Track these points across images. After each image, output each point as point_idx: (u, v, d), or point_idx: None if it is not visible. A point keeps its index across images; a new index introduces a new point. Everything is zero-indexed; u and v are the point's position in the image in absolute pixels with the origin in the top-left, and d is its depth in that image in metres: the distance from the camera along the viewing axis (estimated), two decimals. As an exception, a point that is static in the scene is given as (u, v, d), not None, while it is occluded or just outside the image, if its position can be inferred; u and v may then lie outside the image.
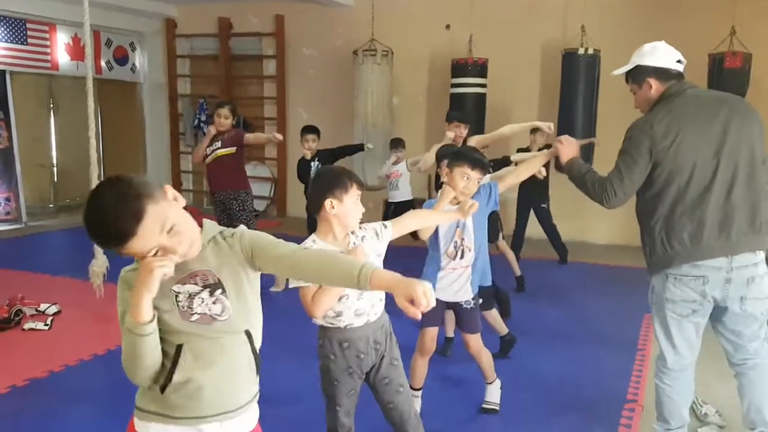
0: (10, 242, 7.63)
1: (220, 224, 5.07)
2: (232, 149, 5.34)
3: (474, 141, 4.58)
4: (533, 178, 6.43)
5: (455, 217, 2.76)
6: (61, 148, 9.23)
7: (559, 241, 6.70)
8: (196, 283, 1.53)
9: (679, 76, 2.60)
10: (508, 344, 4.04)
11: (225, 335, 1.55)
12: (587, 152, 6.89)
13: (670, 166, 2.47)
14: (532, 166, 3.10)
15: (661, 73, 2.58)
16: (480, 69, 7.34)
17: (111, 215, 1.36)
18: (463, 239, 2.96)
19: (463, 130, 4.60)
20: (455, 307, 3.07)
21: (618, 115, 7.18)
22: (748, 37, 6.52)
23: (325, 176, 2.27)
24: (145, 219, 1.37)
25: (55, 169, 9.28)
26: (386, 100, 7.97)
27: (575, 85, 6.89)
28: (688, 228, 2.44)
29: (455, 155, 2.91)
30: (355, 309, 2.23)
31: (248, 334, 1.60)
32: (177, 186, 10.00)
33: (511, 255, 5.54)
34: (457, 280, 3.00)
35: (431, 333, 3.05)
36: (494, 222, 5.39)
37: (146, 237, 1.39)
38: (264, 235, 1.60)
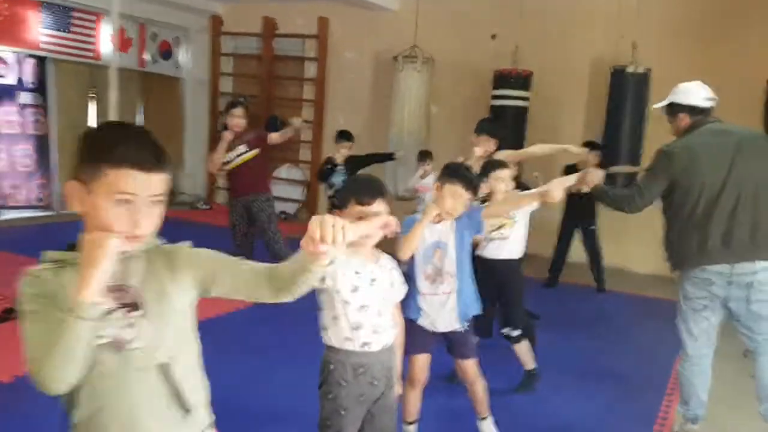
0: (40, 229, 7.63)
1: (237, 230, 4.84)
2: (257, 151, 5.19)
3: (502, 156, 4.30)
4: (582, 196, 6.18)
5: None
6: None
7: (601, 267, 6.33)
8: (111, 300, 1.28)
9: (706, 111, 3.12)
10: (531, 379, 3.74)
11: (133, 368, 1.30)
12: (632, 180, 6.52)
13: (684, 186, 2.99)
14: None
15: (691, 110, 3.12)
16: (523, 81, 7.04)
17: (145, 137, 1.30)
18: (443, 262, 2.70)
19: (492, 146, 4.27)
20: (444, 334, 2.80)
21: (666, 138, 6.87)
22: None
23: (356, 184, 2.15)
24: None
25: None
26: (424, 108, 7.74)
27: (623, 104, 6.52)
28: (696, 238, 2.97)
29: (450, 172, 2.68)
30: (373, 324, 2.04)
31: (165, 368, 1.34)
32: (212, 184, 9.98)
33: None
34: (441, 310, 2.73)
35: (421, 361, 2.79)
36: None
37: (140, 182, 1.25)
38: (210, 253, 1.42)
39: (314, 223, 1.19)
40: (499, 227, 3.64)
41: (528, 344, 3.73)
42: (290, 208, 9.45)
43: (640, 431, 3.32)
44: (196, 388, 1.43)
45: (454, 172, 2.67)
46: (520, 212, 3.55)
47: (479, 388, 2.92)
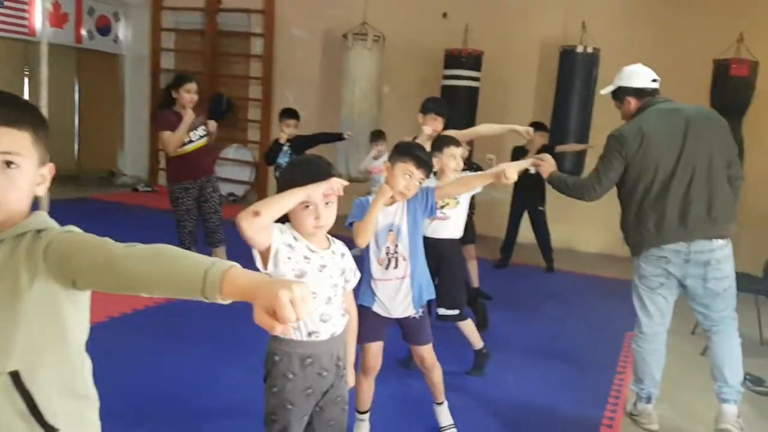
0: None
1: (190, 215, 4.51)
2: (213, 136, 5.00)
3: (453, 135, 4.24)
4: (530, 178, 6.17)
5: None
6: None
7: (550, 248, 6.39)
8: None
9: (653, 92, 3.12)
10: (483, 359, 3.72)
11: None
12: (580, 158, 6.58)
13: (638, 168, 2.99)
14: (473, 183, 2.94)
15: (638, 92, 3.12)
16: (474, 61, 7.00)
17: None
18: (396, 246, 2.61)
19: (440, 125, 4.14)
20: (399, 320, 2.73)
21: (614, 117, 6.91)
22: (756, 45, 6.20)
23: (300, 165, 1.98)
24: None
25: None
26: (375, 87, 7.61)
27: (572, 84, 6.56)
28: (653, 218, 2.98)
29: (401, 150, 2.58)
30: (321, 313, 1.92)
31: (16, 376, 1.14)
32: (154, 165, 9.65)
33: (474, 264, 5.21)
34: (396, 295, 2.65)
35: (374, 349, 2.71)
36: (470, 224, 5.09)
37: None
38: (79, 238, 1.17)
39: (285, 304, 0.98)
40: (442, 207, 3.56)
41: (472, 323, 3.70)
42: (239, 189, 9.23)
43: (593, 411, 3.33)
44: (68, 405, 1.23)
45: (406, 151, 2.55)
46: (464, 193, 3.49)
47: (437, 373, 2.87)
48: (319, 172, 1.87)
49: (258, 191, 9.19)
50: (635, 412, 3.26)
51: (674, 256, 2.95)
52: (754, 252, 5.12)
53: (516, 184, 6.19)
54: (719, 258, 2.95)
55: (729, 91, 6.10)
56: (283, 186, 1.87)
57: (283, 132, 5.49)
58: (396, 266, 2.62)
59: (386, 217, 2.60)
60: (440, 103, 4.28)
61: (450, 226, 3.59)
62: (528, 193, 6.23)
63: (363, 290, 2.65)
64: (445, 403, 2.96)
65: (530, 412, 3.31)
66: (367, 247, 2.61)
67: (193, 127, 4.74)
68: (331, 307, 1.95)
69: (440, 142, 3.50)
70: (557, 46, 6.78)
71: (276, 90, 8.95)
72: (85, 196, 8.28)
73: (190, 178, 4.88)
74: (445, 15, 7.79)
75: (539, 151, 6.15)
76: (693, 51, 6.52)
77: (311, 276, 1.89)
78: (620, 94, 3.16)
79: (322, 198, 1.86)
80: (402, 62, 7.94)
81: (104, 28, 9.23)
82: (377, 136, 6.15)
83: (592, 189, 3.10)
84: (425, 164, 2.54)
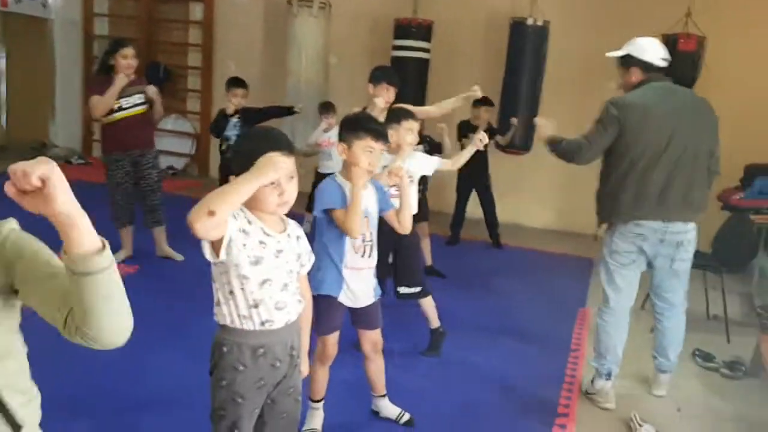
0: None
1: (120, 189, 4.20)
2: (149, 104, 4.66)
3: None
4: (476, 154, 6.06)
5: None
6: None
7: (496, 224, 6.35)
8: None
9: (659, 70, 3.10)
10: (439, 338, 3.63)
11: None
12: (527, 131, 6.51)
13: (630, 140, 2.99)
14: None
15: (647, 66, 3.09)
16: (425, 32, 6.82)
17: None
18: (371, 232, 2.47)
19: (392, 95, 3.97)
20: (356, 307, 2.60)
21: (563, 92, 6.85)
22: (703, 20, 6.21)
23: (259, 137, 1.77)
24: None
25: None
26: (322, 56, 7.35)
27: (521, 57, 6.46)
28: (632, 191, 3.00)
29: (354, 126, 2.40)
30: (276, 301, 1.76)
31: None
32: (88, 136, 9.16)
33: (427, 242, 5.11)
34: (367, 284, 2.53)
35: (333, 339, 2.58)
36: (423, 201, 4.98)
37: None
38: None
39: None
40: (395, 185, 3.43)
41: (432, 301, 3.60)
42: (178, 162, 8.86)
43: (549, 392, 3.29)
44: (23, 401, 1.21)
45: (359, 126, 2.39)
46: (417, 171, 3.35)
47: (381, 361, 2.76)
48: (281, 144, 1.69)
49: (198, 164, 8.85)
50: (592, 390, 3.25)
51: (651, 234, 3.02)
52: (702, 230, 5.19)
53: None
54: (690, 240, 3.08)
55: (677, 66, 5.97)
56: (240, 160, 1.67)
57: (231, 102, 5.21)
58: (370, 255, 2.49)
59: (363, 200, 2.44)
60: (391, 72, 4.10)
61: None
62: (474, 169, 6.15)
63: (329, 279, 2.46)
64: (386, 396, 2.87)
65: (486, 393, 3.24)
66: (337, 231, 2.43)
67: (126, 94, 4.44)
68: (287, 294, 1.80)
69: (397, 115, 3.32)
70: (507, 18, 6.65)
71: (217, 58, 8.58)
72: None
73: (119, 149, 4.58)
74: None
75: (487, 129, 6.09)
76: (641, 25, 6.31)
77: (267, 262, 1.73)
78: (628, 62, 3.12)
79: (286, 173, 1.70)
80: (350, 31, 7.69)
81: (31, -10, 8.63)
82: (327, 108, 5.94)
83: (581, 153, 3.11)
84: (383, 135, 2.41)
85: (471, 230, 6.44)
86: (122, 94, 4.43)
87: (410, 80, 6.73)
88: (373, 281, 2.54)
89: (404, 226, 2.64)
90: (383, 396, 2.84)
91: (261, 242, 1.72)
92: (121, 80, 4.36)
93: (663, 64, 3.11)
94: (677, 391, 3.42)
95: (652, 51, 3.10)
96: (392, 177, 2.63)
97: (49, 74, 9.09)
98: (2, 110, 9.04)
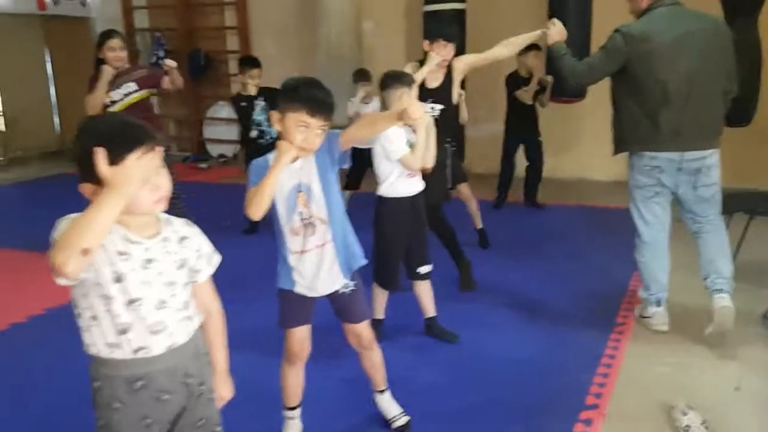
0: None
1: None
2: (151, 90, 4.44)
3: (462, 62, 3.69)
4: (523, 108, 5.50)
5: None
6: (7, 93, 8.43)
7: (538, 181, 5.86)
8: None
9: None
10: (442, 329, 3.25)
11: None
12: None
13: (639, 71, 2.97)
14: (377, 125, 2.19)
15: None
16: (457, -18, 6.29)
17: None
18: (310, 208, 2.13)
19: (451, 52, 3.60)
20: (328, 296, 2.27)
21: (613, 28, 6.17)
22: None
23: (102, 135, 1.36)
24: None
25: (1, 118, 8.50)
26: (353, 25, 6.98)
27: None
28: (646, 123, 3.00)
29: (291, 94, 2.03)
30: (150, 323, 1.45)
31: None
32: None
33: (474, 205, 4.69)
34: (319, 268, 2.18)
35: (299, 334, 2.26)
36: (456, 163, 4.58)
37: None
38: None
39: None
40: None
41: (429, 286, 3.21)
42: (228, 150, 8.79)
43: (582, 378, 2.85)
44: None
45: (294, 94, 2.02)
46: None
47: (377, 354, 2.43)
48: (137, 140, 1.35)
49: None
50: (646, 314, 3.29)
51: (667, 165, 3.01)
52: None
53: (508, 115, 5.68)
54: (709, 165, 3.04)
55: None
56: (86, 160, 1.32)
57: (250, 84, 4.98)
58: (313, 233, 2.14)
59: (291, 177, 2.10)
60: (449, 26, 3.71)
61: (414, 179, 3.05)
62: (522, 123, 5.67)
63: (281, 270, 2.21)
64: (388, 391, 2.52)
65: (507, 384, 2.83)
66: (276, 218, 2.14)
67: (116, 86, 4.26)
68: (167, 313, 1.47)
69: (388, 79, 2.95)
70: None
71: (254, 39, 8.38)
72: (68, 172, 7.90)
73: None
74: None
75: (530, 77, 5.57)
76: None
77: (133, 277, 1.42)
78: None
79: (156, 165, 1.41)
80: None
81: (69, -9, 8.70)
82: (361, 76, 5.54)
83: (584, 76, 3.15)
84: (322, 108, 2.01)
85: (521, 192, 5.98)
86: (114, 87, 4.25)
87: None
88: (333, 261, 2.19)
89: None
90: (381, 391, 2.51)
91: (121, 253, 1.40)
92: (106, 73, 4.18)
93: None
94: (737, 364, 2.91)
95: None
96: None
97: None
98: (53, 115, 9.22)
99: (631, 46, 2.94)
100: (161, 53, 8.64)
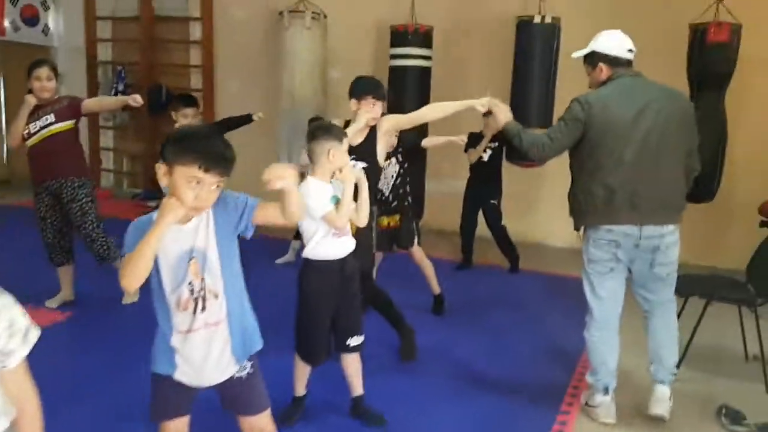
0: None
1: (47, 224, 3.61)
2: (70, 123, 4.16)
3: (388, 122, 3.47)
4: (483, 167, 5.39)
5: None
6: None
7: (510, 245, 5.69)
8: None
9: (627, 63, 2.99)
10: (363, 410, 2.96)
11: None
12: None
13: (595, 139, 2.88)
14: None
15: (612, 60, 2.98)
16: (423, 38, 6.22)
17: None
18: (203, 279, 1.86)
19: (378, 110, 3.38)
20: (216, 386, 1.99)
21: (578, 92, 6.15)
22: (737, 5, 5.41)
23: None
24: None
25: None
26: (318, 71, 6.85)
27: (530, 58, 5.78)
28: (602, 194, 2.87)
29: (179, 144, 1.80)
30: None
31: None
32: (96, 165, 8.91)
33: (429, 268, 4.48)
34: (209, 352, 1.90)
35: (176, 427, 1.99)
36: (409, 223, 4.39)
37: None
38: None
39: None
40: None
41: (358, 361, 2.94)
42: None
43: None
44: None
45: (184, 144, 1.78)
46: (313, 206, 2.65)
47: None
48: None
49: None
50: (592, 403, 3.13)
51: (624, 239, 2.89)
52: (736, 250, 4.44)
53: (471, 174, 5.55)
54: (668, 244, 2.94)
55: (708, 59, 5.31)
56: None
57: (181, 124, 4.73)
58: (204, 308, 1.87)
59: (181, 240, 1.84)
60: (376, 84, 3.49)
61: (343, 239, 2.82)
62: (481, 184, 5.53)
63: (157, 352, 1.91)
64: None
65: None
66: (160, 287, 1.86)
67: (35, 118, 4.04)
68: None
69: (318, 130, 2.70)
70: (513, 17, 5.99)
71: (218, 78, 8.20)
72: (14, 203, 7.53)
73: (35, 180, 4.16)
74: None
75: (495, 137, 5.44)
76: (665, 16, 5.77)
77: None
78: (594, 59, 3.03)
79: None
80: (350, 43, 7.18)
81: (31, 19, 8.47)
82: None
83: (543, 148, 3.01)
84: (219, 161, 1.77)
85: (489, 253, 5.83)
86: (33, 119, 4.04)
87: (410, 90, 6.21)
88: (226, 344, 1.92)
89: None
90: None
91: None
92: (26, 103, 3.99)
93: (630, 56, 2.99)
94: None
95: (617, 44, 2.98)
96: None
97: (53, 103, 8.88)
98: (3, 144, 8.88)
99: (589, 114, 2.87)
100: (121, 87, 8.41)
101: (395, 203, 4.29)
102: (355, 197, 2.73)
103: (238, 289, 1.93)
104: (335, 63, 7.13)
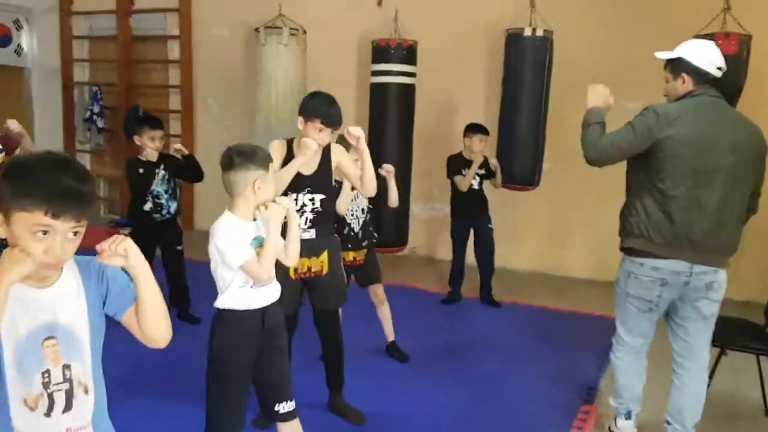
0: None
1: None
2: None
3: (339, 155, 3.05)
4: (473, 195, 4.88)
5: None
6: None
7: (490, 275, 5.20)
8: None
9: (713, 81, 2.68)
10: None
11: None
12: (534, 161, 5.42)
13: (661, 158, 2.58)
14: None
15: (699, 74, 2.66)
16: (406, 54, 5.78)
17: None
18: (67, 367, 1.40)
19: (325, 137, 2.89)
20: None
21: (572, 109, 5.73)
22: (746, 14, 4.97)
23: None
24: None
25: None
26: (296, 90, 6.42)
27: (520, 73, 5.34)
28: (660, 221, 2.60)
29: (12, 180, 1.32)
30: None
31: None
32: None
33: (385, 311, 3.98)
34: None
35: None
36: (374, 256, 3.95)
37: None
38: None
39: None
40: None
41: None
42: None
43: None
44: None
45: (24, 182, 1.31)
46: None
47: None
48: None
49: (183, 216, 8.01)
50: (614, 429, 3.01)
51: (673, 278, 2.62)
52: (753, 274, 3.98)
53: (453, 197, 5.04)
54: (720, 281, 2.68)
55: None
56: None
57: (149, 147, 4.31)
58: (68, 407, 1.41)
59: (37, 311, 1.38)
60: (329, 109, 2.96)
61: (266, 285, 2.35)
62: (472, 212, 5.08)
63: None
64: None
65: None
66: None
67: None
68: None
69: (237, 157, 2.23)
70: (502, 30, 5.56)
71: (198, 99, 7.79)
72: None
73: None
74: (380, 3, 6.62)
75: (483, 164, 5.01)
76: (668, 28, 5.27)
77: None
78: (679, 67, 2.70)
79: None
80: (332, 60, 6.78)
81: (3, 38, 8.09)
82: None
83: (604, 152, 2.66)
84: (70, 202, 1.31)
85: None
86: None
87: (393, 108, 5.78)
88: None
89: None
90: None
91: None
92: None
93: (718, 74, 2.67)
94: None
95: (710, 58, 2.65)
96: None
97: (27, 127, 8.48)
98: (-30, 167, 8.48)
99: (662, 126, 2.56)
100: (96, 108, 8.03)
101: (365, 241, 3.82)
102: (283, 234, 2.27)
103: (102, 380, 1.47)
104: (316, 81, 6.70)
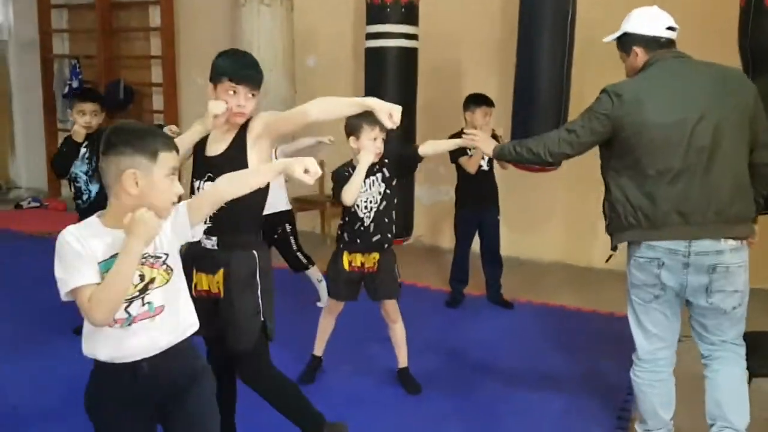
0: None
1: None
2: None
3: (259, 122, 2.31)
4: (482, 178, 4.16)
5: None
6: None
7: (499, 272, 4.52)
8: None
9: (669, 43, 2.57)
10: None
11: None
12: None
13: (628, 139, 2.45)
14: None
15: (649, 42, 2.57)
16: (405, 12, 5.02)
17: None
18: None
19: (244, 102, 2.30)
20: None
21: (598, 76, 4.96)
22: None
23: None
24: None
25: None
26: (284, 59, 5.72)
27: (539, 34, 4.55)
28: (643, 204, 2.43)
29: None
30: None
31: None
32: (53, 172, 7.94)
33: (399, 333, 3.26)
34: None
35: None
36: (391, 266, 3.23)
37: None
38: None
39: None
40: None
41: None
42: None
43: None
44: None
45: None
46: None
47: None
48: None
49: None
50: None
51: (669, 257, 2.41)
52: None
53: (464, 187, 4.28)
54: (729, 264, 2.39)
55: (766, 30, 4.08)
56: None
57: (78, 124, 3.62)
58: None
59: None
60: (243, 64, 2.38)
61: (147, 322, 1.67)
62: (481, 199, 4.40)
63: None
64: None
65: None
66: None
67: None
68: None
69: (114, 137, 1.63)
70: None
71: (181, 71, 7.13)
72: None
73: None
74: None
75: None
76: None
77: None
78: (626, 42, 2.61)
79: None
80: (325, 25, 6.06)
81: (-24, 9, 7.52)
82: None
83: (559, 144, 2.57)
84: None
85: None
86: None
87: (391, 76, 5.05)
88: None
89: None
90: None
91: None
92: None
93: (670, 34, 2.54)
94: None
95: (654, 22, 2.54)
96: None
97: (4, 102, 7.93)
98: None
99: (620, 109, 2.44)
100: (75, 83, 7.40)
101: (377, 237, 3.09)
102: None
103: None
104: (307, 48, 6.01)
